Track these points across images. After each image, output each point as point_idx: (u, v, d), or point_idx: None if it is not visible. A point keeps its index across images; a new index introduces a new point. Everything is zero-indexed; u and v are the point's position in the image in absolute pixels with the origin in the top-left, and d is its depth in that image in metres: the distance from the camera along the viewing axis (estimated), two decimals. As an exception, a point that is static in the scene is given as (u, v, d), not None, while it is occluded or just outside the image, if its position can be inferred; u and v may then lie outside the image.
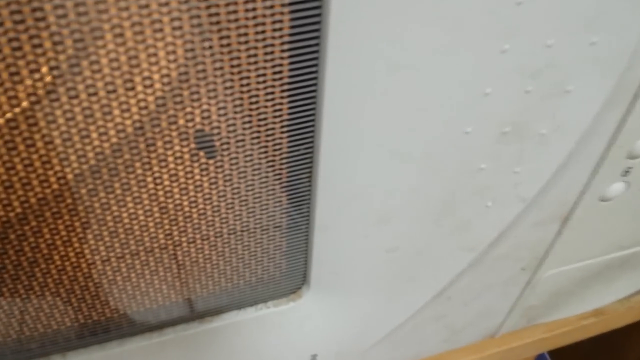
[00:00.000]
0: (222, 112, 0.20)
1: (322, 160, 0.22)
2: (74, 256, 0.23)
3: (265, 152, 0.22)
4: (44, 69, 0.17)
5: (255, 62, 0.19)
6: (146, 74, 0.18)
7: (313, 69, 0.20)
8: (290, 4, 0.18)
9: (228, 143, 0.21)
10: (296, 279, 0.29)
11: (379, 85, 0.20)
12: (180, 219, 0.23)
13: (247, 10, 0.17)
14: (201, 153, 0.21)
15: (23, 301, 0.23)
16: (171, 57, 0.18)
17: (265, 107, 0.20)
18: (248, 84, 0.19)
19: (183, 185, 0.22)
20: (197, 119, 0.20)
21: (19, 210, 0.20)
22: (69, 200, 0.21)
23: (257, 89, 0.20)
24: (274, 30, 0.18)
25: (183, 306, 0.27)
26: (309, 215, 0.25)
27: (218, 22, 0.17)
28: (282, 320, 0.30)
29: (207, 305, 0.28)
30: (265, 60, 0.19)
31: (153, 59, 0.18)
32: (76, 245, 0.22)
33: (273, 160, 0.23)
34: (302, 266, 0.28)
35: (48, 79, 0.17)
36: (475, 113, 0.23)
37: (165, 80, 0.18)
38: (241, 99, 0.20)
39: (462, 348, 0.40)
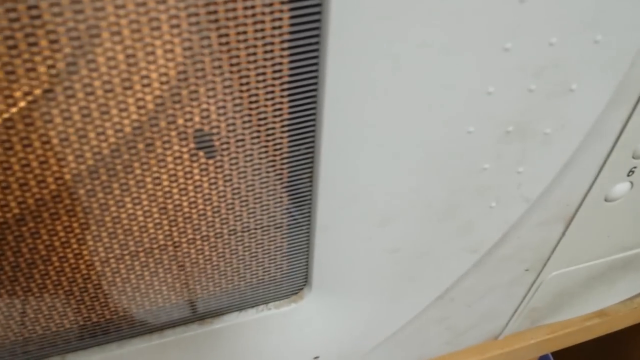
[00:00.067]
0: (221, 111, 0.20)
1: (323, 160, 0.22)
2: (72, 258, 0.22)
3: (266, 151, 0.22)
4: (41, 69, 0.17)
5: (255, 61, 0.19)
6: (144, 73, 0.18)
7: (313, 67, 0.20)
8: (290, 1, 0.18)
9: (228, 143, 0.21)
10: (297, 280, 0.29)
11: (380, 84, 0.20)
12: (180, 219, 0.23)
13: (246, 8, 0.17)
14: (201, 153, 0.21)
15: (22, 303, 0.23)
16: (169, 56, 0.18)
17: (265, 106, 0.20)
18: (247, 83, 0.19)
19: (182, 186, 0.22)
20: (197, 119, 0.20)
21: (16, 211, 0.20)
22: (68, 202, 0.20)
23: (257, 88, 0.20)
24: (274, 28, 0.18)
25: (183, 308, 0.27)
26: (310, 215, 0.25)
27: (217, 20, 0.17)
28: (283, 322, 0.30)
29: (207, 307, 0.28)
30: (265, 59, 0.19)
31: (151, 58, 0.17)
32: (75, 246, 0.22)
33: (273, 160, 0.22)
34: (304, 267, 0.28)
35: (45, 78, 0.17)
36: (477, 112, 0.22)
37: (164, 79, 0.18)
38: (241, 98, 0.20)
39: (465, 350, 0.40)
